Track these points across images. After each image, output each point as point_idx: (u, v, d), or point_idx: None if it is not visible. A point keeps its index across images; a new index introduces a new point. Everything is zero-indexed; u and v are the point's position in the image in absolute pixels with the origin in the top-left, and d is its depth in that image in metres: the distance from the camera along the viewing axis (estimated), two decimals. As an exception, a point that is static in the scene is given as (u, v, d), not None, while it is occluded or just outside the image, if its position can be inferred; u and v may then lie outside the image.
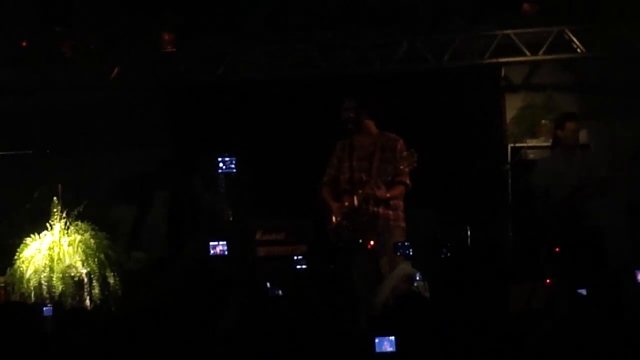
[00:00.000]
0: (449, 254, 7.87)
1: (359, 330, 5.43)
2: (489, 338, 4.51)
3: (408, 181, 7.08)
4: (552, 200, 8.43)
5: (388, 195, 7.08)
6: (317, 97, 9.62)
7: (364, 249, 7.11)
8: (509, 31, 9.38)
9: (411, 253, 6.47)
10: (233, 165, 7.52)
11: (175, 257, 8.87)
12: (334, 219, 7.28)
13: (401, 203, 7.24)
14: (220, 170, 7.57)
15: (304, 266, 7.27)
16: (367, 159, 7.31)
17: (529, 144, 9.88)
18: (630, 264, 8.57)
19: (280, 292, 7.12)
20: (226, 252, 6.69)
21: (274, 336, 4.50)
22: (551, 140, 9.11)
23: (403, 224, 7.13)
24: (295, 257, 7.42)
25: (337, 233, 7.25)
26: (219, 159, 7.48)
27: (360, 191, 7.13)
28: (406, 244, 6.39)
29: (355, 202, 7.14)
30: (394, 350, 4.30)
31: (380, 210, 7.17)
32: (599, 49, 9.27)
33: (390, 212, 7.22)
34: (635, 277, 6.10)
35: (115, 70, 9.38)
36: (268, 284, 7.27)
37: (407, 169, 6.96)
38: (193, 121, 9.87)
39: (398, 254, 6.70)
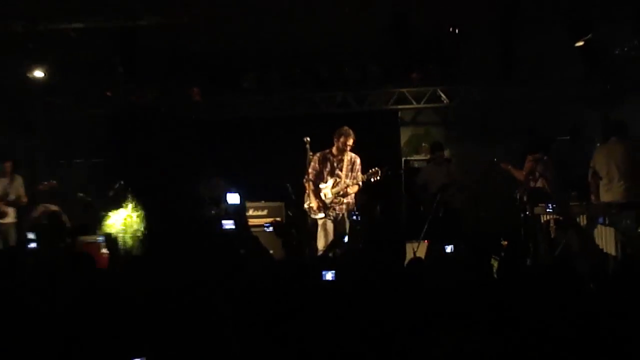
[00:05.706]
0: (359, 219, 8.77)
1: (313, 268, 5.23)
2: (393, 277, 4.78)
3: (361, 183, 8.59)
4: (428, 193, 9.80)
5: (353, 192, 8.57)
6: (281, 132, 10.95)
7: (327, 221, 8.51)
8: (403, 89, 11.03)
9: (359, 218, 8.28)
10: (239, 200, 8.04)
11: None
12: (314, 202, 8.55)
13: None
14: (230, 202, 8.08)
15: (270, 228, 7.23)
16: (339, 171, 8.59)
17: (415, 158, 11.44)
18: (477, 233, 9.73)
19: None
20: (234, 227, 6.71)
21: (271, 293, 4.35)
22: (428, 156, 10.64)
23: (354, 207, 8.79)
24: (265, 225, 7.53)
25: (314, 210, 8.62)
26: (229, 194, 7.96)
27: (335, 190, 8.47)
28: (355, 212, 8.32)
29: (331, 195, 8.55)
30: (334, 279, 4.66)
31: (344, 200, 8.69)
32: (457, 101, 10.96)
33: (350, 201, 8.79)
34: (443, 249, 6.29)
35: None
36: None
37: (375, 179, 8.42)
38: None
39: (353, 218, 8.52)
